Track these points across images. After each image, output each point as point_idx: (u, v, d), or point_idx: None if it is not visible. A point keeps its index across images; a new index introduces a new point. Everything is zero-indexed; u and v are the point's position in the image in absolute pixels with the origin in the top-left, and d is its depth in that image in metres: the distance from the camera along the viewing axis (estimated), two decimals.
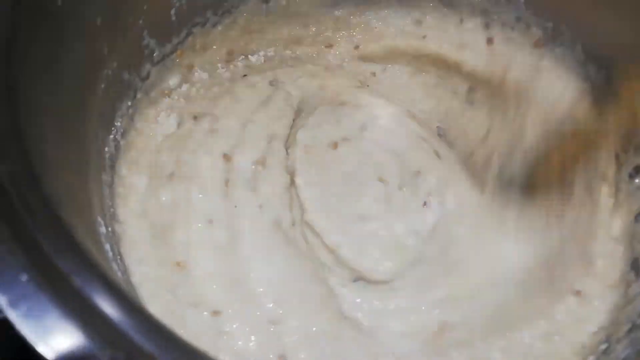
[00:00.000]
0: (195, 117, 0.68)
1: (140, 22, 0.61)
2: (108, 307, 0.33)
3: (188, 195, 0.62)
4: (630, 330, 0.59)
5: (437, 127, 0.76)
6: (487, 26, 0.75)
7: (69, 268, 0.33)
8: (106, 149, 0.59)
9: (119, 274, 0.52)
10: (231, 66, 0.74)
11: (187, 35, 0.69)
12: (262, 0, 0.73)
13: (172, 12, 0.66)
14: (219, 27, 0.72)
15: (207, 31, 0.71)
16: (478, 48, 0.74)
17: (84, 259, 0.34)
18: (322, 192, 0.67)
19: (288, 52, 0.77)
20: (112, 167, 0.60)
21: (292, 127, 0.71)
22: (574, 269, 0.64)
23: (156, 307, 0.54)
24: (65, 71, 0.47)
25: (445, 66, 0.76)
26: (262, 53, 0.76)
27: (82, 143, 0.51)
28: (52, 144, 0.43)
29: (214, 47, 0.73)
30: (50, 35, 0.46)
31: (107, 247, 0.52)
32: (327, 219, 0.65)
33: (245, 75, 0.73)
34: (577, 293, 0.63)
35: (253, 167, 0.66)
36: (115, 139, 0.61)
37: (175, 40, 0.69)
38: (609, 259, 0.65)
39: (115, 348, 0.32)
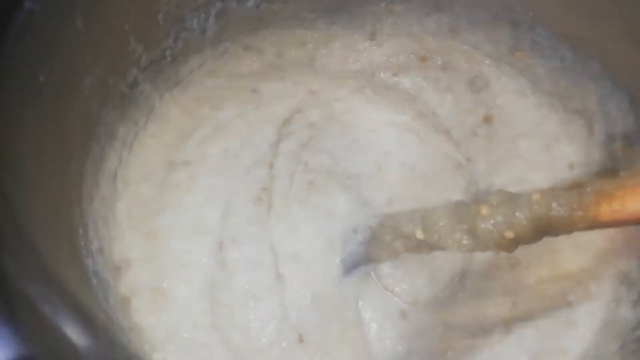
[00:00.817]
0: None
1: (126, 27, 0.60)
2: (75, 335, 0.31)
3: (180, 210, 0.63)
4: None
5: None
6: None
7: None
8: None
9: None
10: None
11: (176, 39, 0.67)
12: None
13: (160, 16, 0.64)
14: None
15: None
16: None
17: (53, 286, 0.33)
18: None
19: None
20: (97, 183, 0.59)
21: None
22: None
23: None
24: (46, 83, 0.46)
25: None
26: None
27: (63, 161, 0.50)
28: (30, 161, 0.42)
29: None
30: (31, 46, 0.44)
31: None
32: None
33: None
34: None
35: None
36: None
37: (163, 45, 0.67)
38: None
39: None
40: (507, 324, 0.64)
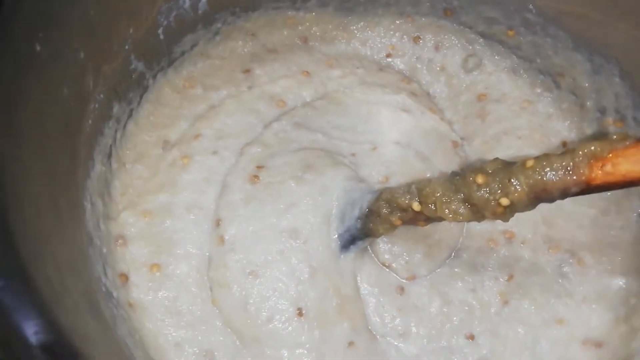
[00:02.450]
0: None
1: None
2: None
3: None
4: None
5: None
6: None
7: None
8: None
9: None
10: None
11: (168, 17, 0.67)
12: None
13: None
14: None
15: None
16: None
17: None
18: None
19: None
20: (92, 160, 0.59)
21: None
22: None
23: None
24: (42, 53, 0.46)
25: None
26: None
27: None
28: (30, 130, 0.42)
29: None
30: (26, 13, 0.44)
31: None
32: None
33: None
34: None
35: None
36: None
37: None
38: None
39: None
40: (504, 297, 0.65)
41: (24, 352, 0.31)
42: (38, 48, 0.45)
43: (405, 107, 0.75)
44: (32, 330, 0.31)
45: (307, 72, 0.75)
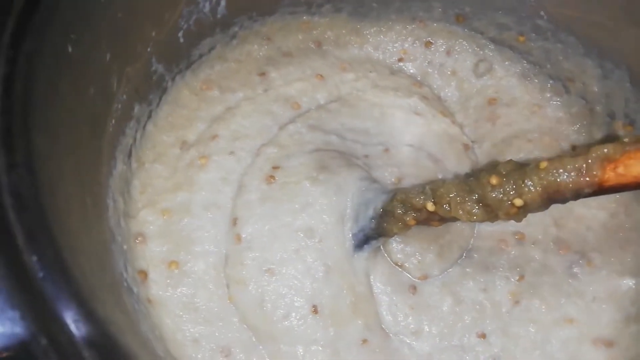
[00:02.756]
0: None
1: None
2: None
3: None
4: None
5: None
6: None
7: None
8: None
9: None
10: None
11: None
12: None
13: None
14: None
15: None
16: None
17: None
18: None
19: None
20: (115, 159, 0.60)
21: None
22: None
23: None
24: (74, 55, 0.47)
25: None
26: None
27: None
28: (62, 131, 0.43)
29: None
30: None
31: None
32: None
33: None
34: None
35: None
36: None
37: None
38: None
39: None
40: (515, 296, 0.66)
41: (65, 340, 0.32)
42: (70, 49, 0.46)
43: (417, 111, 0.76)
44: (72, 319, 0.32)
45: (321, 75, 0.77)
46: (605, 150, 0.49)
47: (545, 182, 0.51)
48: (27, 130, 0.38)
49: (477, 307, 0.65)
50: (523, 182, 0.53)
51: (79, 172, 0.49)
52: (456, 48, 0.81)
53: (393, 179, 0.70)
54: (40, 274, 0.33)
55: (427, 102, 0.77)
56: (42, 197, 0.36)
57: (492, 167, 0.56)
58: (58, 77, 0.44)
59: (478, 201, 0.55)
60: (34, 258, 0.33)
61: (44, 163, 0.39)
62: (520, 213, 0.54)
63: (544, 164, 0.52)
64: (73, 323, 0.32)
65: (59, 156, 0.43)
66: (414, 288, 0.66)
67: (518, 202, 0.53)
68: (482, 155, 0.76)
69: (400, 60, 0.82)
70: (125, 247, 0.59)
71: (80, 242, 0.44)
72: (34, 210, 0.35)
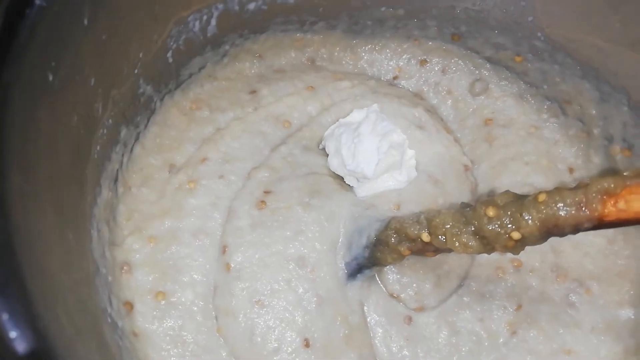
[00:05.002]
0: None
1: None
2: None
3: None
4: None
5: None
6: None
7: None
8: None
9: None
10: None
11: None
12: None
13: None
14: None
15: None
16: None
17: None
18: None
19: None
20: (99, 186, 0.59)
21: None
22: None
23: None
24: (54, 82, 0.45)
25: None
26: None
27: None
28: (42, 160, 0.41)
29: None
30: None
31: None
32: None
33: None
34: None
35: None
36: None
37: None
38: None
39: None
40: (512, 326, 0.64)
41: None
42: (50, 77, 0.44)
43: (420, 124, 0.73)
44: None
45: (312, 87, 0.75)
46: (606, 184, 0.48)
47: (543, 216, 0.50)
48: (1, 169, 0.35)
49: (474, 337, 0.63)
50: (521, 215, 0.51)
51: (60, 206, 0.47)
52: (452, 67, 0.80)
53: (392, 206, 0.67)
54: (13, 334, 0.30)
55: (431, 116, 0.75)
56: (15, 245, 0.34)
57: (489, 197, 0.55)
58: (36, 107, 0.42)
59: (475, 233, 0.54)
60: (5, 317, 0.31)
61: (19, 203, 0.37)
62: (518, 246, 0.53)
63: (542, 197, 0.50)
64: None
65: (37, 193, 0.41)
66: (409, 318, 0.64)
67: (516, 235, 0.51)
68: (480, 177, 0.75)
69: (395, 78, 0.81)
70: (110, 278, 0.57)
71: (59, 283, 0.42)
72: (5, 261, 0.33)
